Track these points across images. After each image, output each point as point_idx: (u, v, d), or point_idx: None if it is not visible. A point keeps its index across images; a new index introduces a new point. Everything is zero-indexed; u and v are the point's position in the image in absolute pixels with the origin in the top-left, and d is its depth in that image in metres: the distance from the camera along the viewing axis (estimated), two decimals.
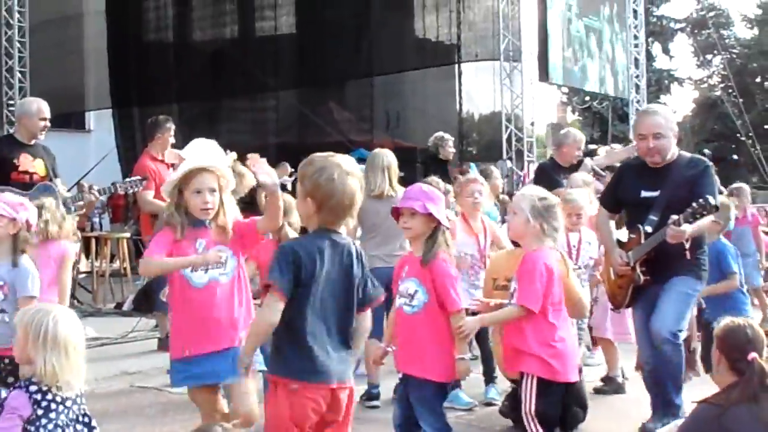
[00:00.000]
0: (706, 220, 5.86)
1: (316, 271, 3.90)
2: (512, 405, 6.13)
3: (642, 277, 6.15)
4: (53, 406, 3.88)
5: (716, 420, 3.54)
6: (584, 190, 8.08)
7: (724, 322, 3.97)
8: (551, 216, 5.10)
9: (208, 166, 4.83)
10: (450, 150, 11.99)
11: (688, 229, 5.69)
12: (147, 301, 9.40)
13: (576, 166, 9.21)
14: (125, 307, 11.22)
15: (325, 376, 3.92)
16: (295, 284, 3.87)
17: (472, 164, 15.08)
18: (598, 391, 7.50)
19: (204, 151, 5.02)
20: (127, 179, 9.16)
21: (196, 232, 4.81)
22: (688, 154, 6.43)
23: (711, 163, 6.42)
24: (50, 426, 3.86)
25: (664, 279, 6.12)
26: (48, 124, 8.37)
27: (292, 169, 15.46)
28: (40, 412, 3.84)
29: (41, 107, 8.42)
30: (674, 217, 5.73)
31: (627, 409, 7.03)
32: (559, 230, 5.18)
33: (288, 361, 3.94)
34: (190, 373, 4.81)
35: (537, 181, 9.38)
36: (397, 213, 5.01)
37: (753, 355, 3.66)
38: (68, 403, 3.93)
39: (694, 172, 6.15)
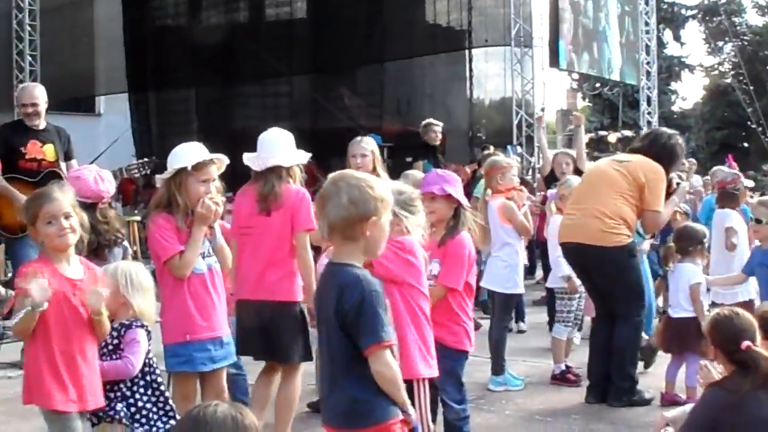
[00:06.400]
0: None
1: None
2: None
3: None
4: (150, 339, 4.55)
5: (735, 408, 3.55)
6: None
7: (712, 315, 3.99)
8: (413, 210, 4.45)
9: (216, 158, 4.93)
10: (435, 135, 11.72)
11: None
12: None
13: None
14: None
15: None
16: None
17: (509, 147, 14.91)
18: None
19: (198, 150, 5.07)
20: (134, 162, 8.98)
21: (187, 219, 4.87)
22: None
23: None
24: (150, 354, 4.50)
25: None
26: (38, 109, 8.07)
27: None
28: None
29: (23, 93, 8.27)
30: None
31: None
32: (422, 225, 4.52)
33: None
34: (189, 358, 4.80)
35: None
36: None
37: (746, 343, 3.66)
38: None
39: None
